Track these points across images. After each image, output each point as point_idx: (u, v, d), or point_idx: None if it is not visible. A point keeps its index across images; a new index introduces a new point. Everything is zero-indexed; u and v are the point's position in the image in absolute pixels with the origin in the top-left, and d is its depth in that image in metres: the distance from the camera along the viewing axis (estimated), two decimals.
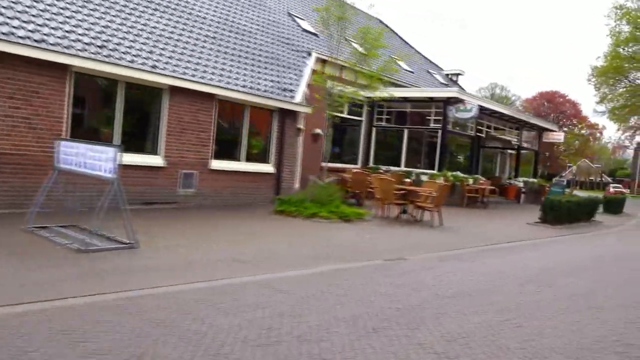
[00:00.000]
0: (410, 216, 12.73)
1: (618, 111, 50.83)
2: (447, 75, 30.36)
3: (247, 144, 12.75)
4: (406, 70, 24.83)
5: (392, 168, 19.80)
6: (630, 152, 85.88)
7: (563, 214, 15.07)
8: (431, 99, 19.46)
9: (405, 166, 20.32)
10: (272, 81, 13.66)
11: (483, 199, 19.62)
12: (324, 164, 18.99)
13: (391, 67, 13.70)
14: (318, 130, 18.45)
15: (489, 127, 22.08)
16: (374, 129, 20.81)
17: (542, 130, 26.40)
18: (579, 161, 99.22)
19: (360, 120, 20.66)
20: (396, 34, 30.21)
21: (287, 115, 13.46)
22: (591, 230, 15.13)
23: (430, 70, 28.23)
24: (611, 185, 66.42)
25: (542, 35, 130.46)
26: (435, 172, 18.98)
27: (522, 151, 27.89)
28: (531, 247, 10.74)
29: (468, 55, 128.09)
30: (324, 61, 18.13)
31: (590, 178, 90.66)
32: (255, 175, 12.83)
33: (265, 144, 13.33)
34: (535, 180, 26.25)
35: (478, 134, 21.24)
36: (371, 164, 20.63)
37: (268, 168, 13.20)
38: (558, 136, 26.52)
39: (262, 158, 13.24)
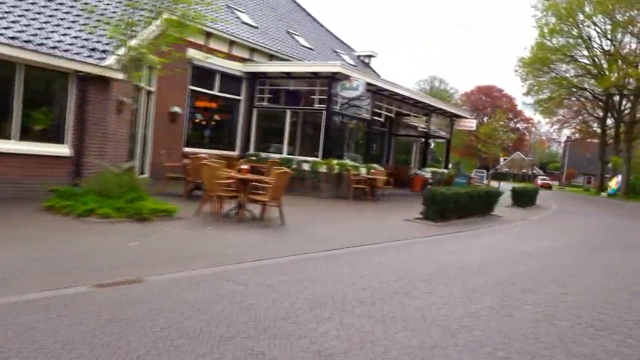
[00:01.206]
0: (242, 212, 9.95)
1: (544, 103, 50.37)
2: (359, 56, 27.91)
3: (25, 117, 9.54)
4: (304, 46, 22.10)
5: (274, 155, 17.04)
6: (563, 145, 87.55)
7: (449, 208, 12.76)
8: (315, 75, 16.77)
9: (290, 153, 17.61)
10: (77, 37, 10.49)
11: (375, 190, 17.19)
12: (188, 149, 16.06)
13: (203, 16, 10.66)
14: (176, 109, 15.41)
15: (389, 110, 19.70)
16: (255, 110, 17.93)
17: (454, 117, 24.42)
18: (513, 154, 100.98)
19: (239, 100, 17.73)
20: (303, 10, 27.43)
21: (93, 83, 10.32)
22: (481, 227, 12.90)
23: (337, 50, 25.65)
24: (539, 177, 66.81)
25: (478, 29, 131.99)
26: (318, 159, 16.37)
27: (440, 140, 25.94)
28: (379, 253, 8.18)
29: (410, 49, 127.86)
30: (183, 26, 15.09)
31: (523, 171, 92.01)
32: (38, 159, 9.66)
33: (58, 118, 10.17)
34: (445, 170, 24.27)
35: (375, 117, 18.80)
36: (252, 150, 17.79)
37: (61, 150, 10.05)
38: (470, 123, 24.61)
39: (53, 137, 10.08)
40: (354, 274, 6.45)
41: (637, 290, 6.97)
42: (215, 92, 16.82)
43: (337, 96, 16.32)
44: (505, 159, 55.03)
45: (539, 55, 45.84)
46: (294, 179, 16.59)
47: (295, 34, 22.66)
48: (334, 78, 16.23)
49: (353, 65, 22.28)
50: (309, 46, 22.62)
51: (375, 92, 18.40)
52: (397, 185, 20.83)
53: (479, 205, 14.64)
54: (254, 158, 16.37)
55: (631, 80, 42.39)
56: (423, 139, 23.87)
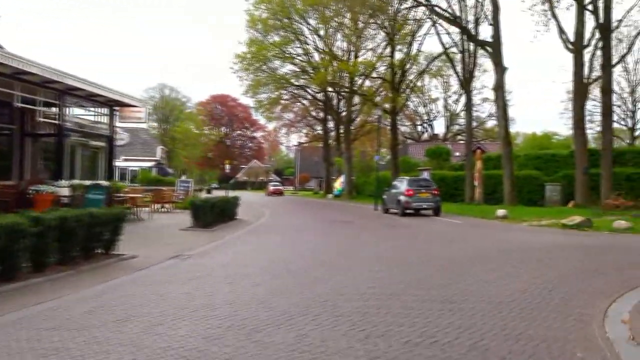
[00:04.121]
0: None
1: (265, 104, 47.03)
2: None
3: None
4: None
5: None
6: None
7: None
8: None
9: None
10: None
11: None
12: None
13: None
14: None
15: None
16: None
17: (113, 105, 16.77)
18: (251, 162, 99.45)
19: None
20: None
21: None
22: (31, 302, 5.39)
23: None
24: (270, 184, 64.62)
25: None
26: None
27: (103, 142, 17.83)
28: None
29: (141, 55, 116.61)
30: None
31: (261, 178, 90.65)
32: None
33: None
34: (105, 183, 16.41)
35: None
36: None
37: None
38: (138, 114, 17.33)
39: None
40: None
41: None
42: None
43: None
44: (230, 166, 49.62)
45: (254, 51, 41.93)
46: None
47: None
48: None
49: None
50: None
51: None
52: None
53: (63, 249, 7.17)
54: None
55: (345, 78, 41.70)
56: (55, 138, 15.44)
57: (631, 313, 5.53)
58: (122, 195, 16.20)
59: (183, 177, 54.43)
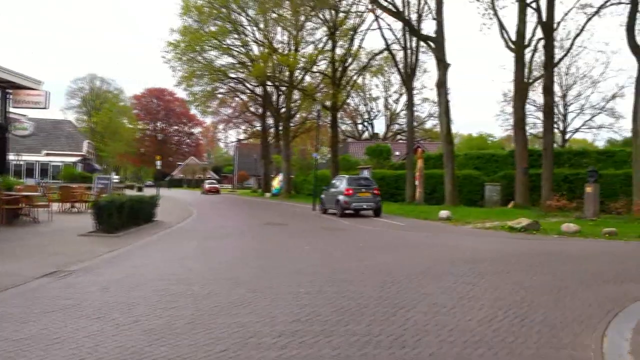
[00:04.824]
0: None
1: (199, 97, 44.26)
2: None
3: None
4: None
5: None
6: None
7: None
8: None
9: None
10: None
11: None
12: None
13: None
14: None
15: None
16: None
17: (5, 86, 14.16)
18: (188, 159, 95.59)
19: None
20: None
21: None
22: None
23: None
24: (206, 181, 61.70)
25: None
26: None
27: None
28: None
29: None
30: None
31: (198, 176, 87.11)
32: None
33: None
34: None
35: None
36: None
37: None
38: (37, 97, 14.79)
39: None
40: None
41: None
42: None
43: None
44: (161, 162, 46.14)
45: (188, 40, 39.23)
46: None
47: None
48: None
49: None
50: None
51: None
52: None
53: None
54: None
55: (285, 72, 39.91)
56: None
57: (634, 356, 4.21)
58: (13, 193, 13.70)
59: (113, 174, 50.52)
